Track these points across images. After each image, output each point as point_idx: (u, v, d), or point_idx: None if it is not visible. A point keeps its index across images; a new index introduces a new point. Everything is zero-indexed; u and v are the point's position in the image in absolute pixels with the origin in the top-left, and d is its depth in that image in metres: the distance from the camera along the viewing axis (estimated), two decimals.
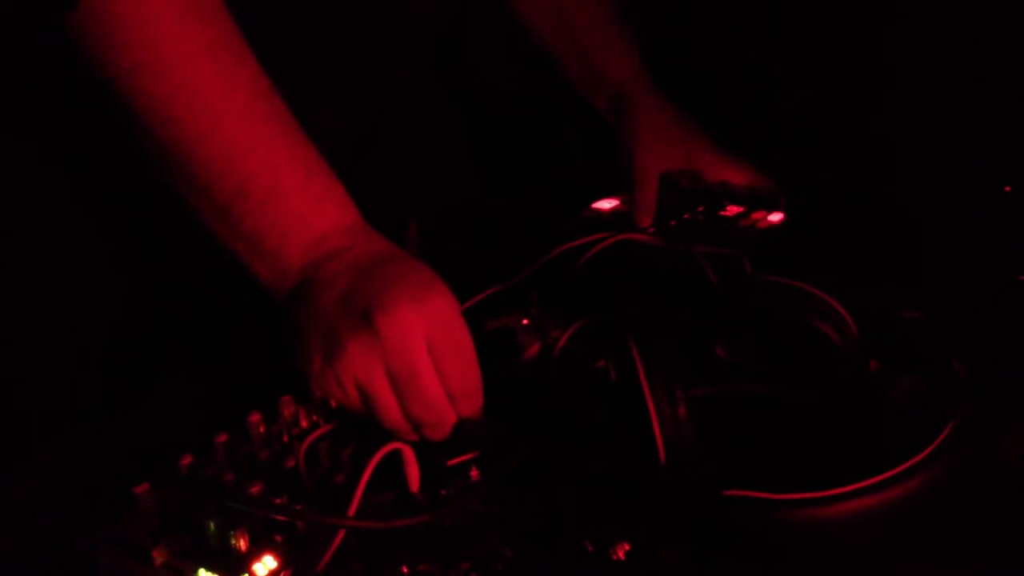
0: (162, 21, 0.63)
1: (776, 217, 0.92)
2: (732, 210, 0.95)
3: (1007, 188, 0.92)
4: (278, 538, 0.55)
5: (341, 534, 0.55)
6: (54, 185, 0.80)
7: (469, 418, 0.63)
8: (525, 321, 0.75)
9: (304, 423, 0.65)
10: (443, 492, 0.60)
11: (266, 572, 0.53)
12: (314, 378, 0.64)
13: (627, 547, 0.54)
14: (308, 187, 0.66)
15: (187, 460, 0.60)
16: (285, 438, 0.64)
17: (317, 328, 0.63)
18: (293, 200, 0.65)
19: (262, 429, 0.63)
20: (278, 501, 0.57)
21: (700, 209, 0.95)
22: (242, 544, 0.54)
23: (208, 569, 0.53)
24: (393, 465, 0.58)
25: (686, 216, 0.94)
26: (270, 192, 0.65)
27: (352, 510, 0.55)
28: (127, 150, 0.66)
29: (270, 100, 0.67)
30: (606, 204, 0.98)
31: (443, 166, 1.04)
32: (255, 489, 0.56)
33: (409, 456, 0.58)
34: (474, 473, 0.61)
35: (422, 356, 0.61)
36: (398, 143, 0.97)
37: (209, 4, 0.65)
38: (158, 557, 0.54)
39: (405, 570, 0.54)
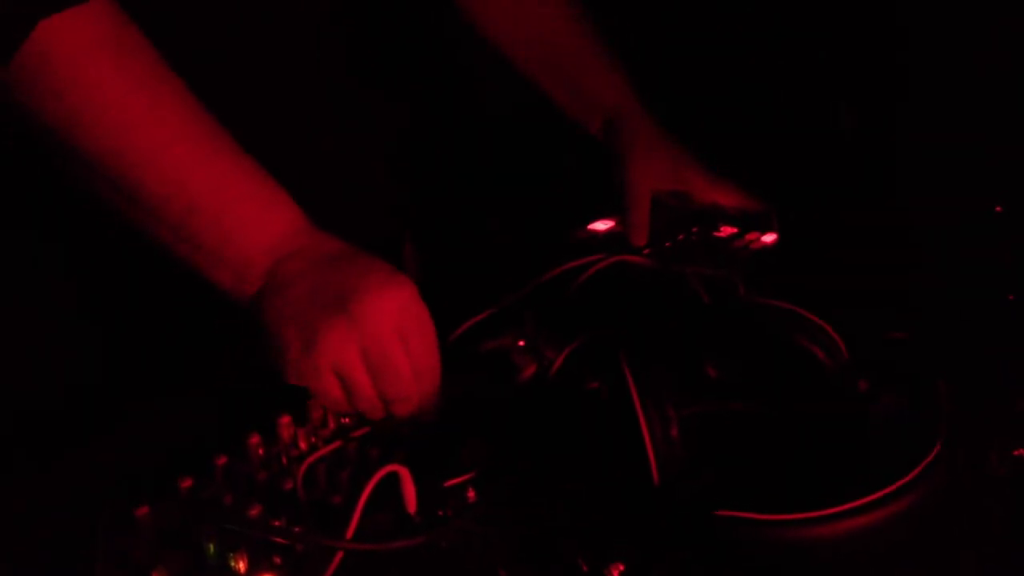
0: (92, 63, 0.66)
1: (769, 238, 0.94)
2: (726, 231, 0.96)
3: (998, 208, 0.93)
4: (277, 559, 0.55)
5: (339, 555, 0.55)
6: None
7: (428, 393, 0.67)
8: (521, 342, 0.76)
9: (303, 445, 0.65)
10: (440, 513, 0.60)
11: None
12: (290, 368, 0.66)
13: (621, 567, 0.55)
14: (256, 195, 0.69)
15: (187, 483, 0.60)
16: (284, 460, 0.64)
17: (291, 320, 0.66)
18: (244, 208, 0.68)
19: (261, 451, 0.64)
20: (277, 523, 0.57)
21: (694, 230, 0.96)
22: (241, 566, 0.54)
23: None
24: (390, 487, 0.59)
25: (680, 237, 0.95)
26: (220, 206, 0.68)
27: (350, 532, 0.56)
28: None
29: (203, 121, 0.69)
30: (601, 225, 0.99)
31: (442, 188, 1.05)
32: (254, 511, 0.57)
33: (406, 478, 0.59)
34: (470, 494, 0.61)
35: (394, 337, 0.65)
36: (397, 165, 0.98)
37: (132, 37, 0.68)
38: None
39: None
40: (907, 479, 0.60)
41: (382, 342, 0.65)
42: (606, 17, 1.03)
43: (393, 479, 0.59)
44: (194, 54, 0.69)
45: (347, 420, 0.68)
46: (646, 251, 0.92)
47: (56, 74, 0.65)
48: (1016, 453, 0.62)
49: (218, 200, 0.68)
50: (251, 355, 0.69)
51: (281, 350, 0.66)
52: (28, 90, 0.65)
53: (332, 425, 0.67)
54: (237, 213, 0.68)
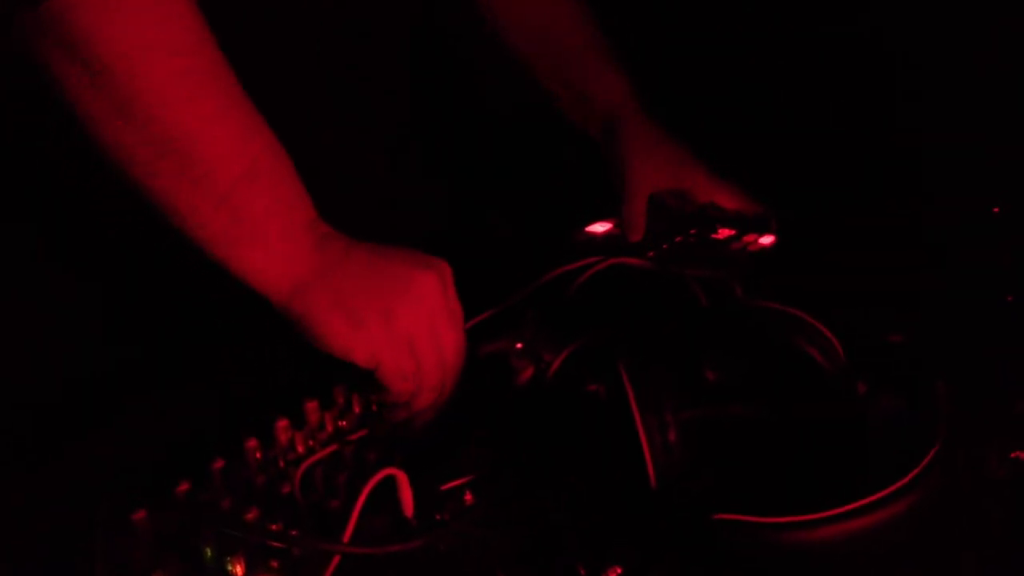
0: (143, 9, 0.61)
1: (767, 240, 0.93)
2: (724, 233, 0.95)
3: (995, 209, 0.93)
4: (274, 563, 0.55)
5: (336, 559, 0.55)
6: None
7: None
8: (519, 345, 0.76)
9: (300, 448, 0.65)
10: (437, 516, 0.60)
11: None
12: (364, 341, 0.65)
13: (619, 571, 0.54)
14: (294, 171, 0.68)
15: (184, 486, 0.60)
16: (281, 464, 0.64)
17: (360, 293, 0.65)
18: (292, 180, 0.67)
19: (259, 455, 0.64)
20: (274, 527, 0.57)
21: (692, 232, 0.96)
22: (238, 570, 0.54)
23: None
24: (388, 490, 0.59)
25: (678, 239, 0.95)
26: (275, 172, 0.66)
27: (347, 535, 0.56)
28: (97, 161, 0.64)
29: (239, 91, 0.67)
30: (599, 227, 0.99)
31: (440, 190, 1.05)
32: (251, 515, 0.57)
33: (403, 481, 0.59)
34: (468, 497, 0.61)
35: (433, 316, 0.66)
36: (395, 168, 0.98)
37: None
38: None
39: None
40: (905, 481, 0.60)
41: (432, 322, 0.66)
42: (606, 17, 1.03)
43: (390, 482, 0.59)
44: None
45: (344, 423, 0.68)
46: (649, 253, 0.92)
47: (117, 10, 0.60)
48: (1014, 455, 0.61)
49: (273, 167, 0.66)
50: (250, 349, 0.68)
51: (354, 323, 0.65)
52: (78, 33, 0.60)
53: (329, 428, 0.67)
54: (287, 185, 0.66)
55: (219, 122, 0.64)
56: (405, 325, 0.65)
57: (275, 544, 0.56)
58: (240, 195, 0.64)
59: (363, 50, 0.93)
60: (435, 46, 1.02)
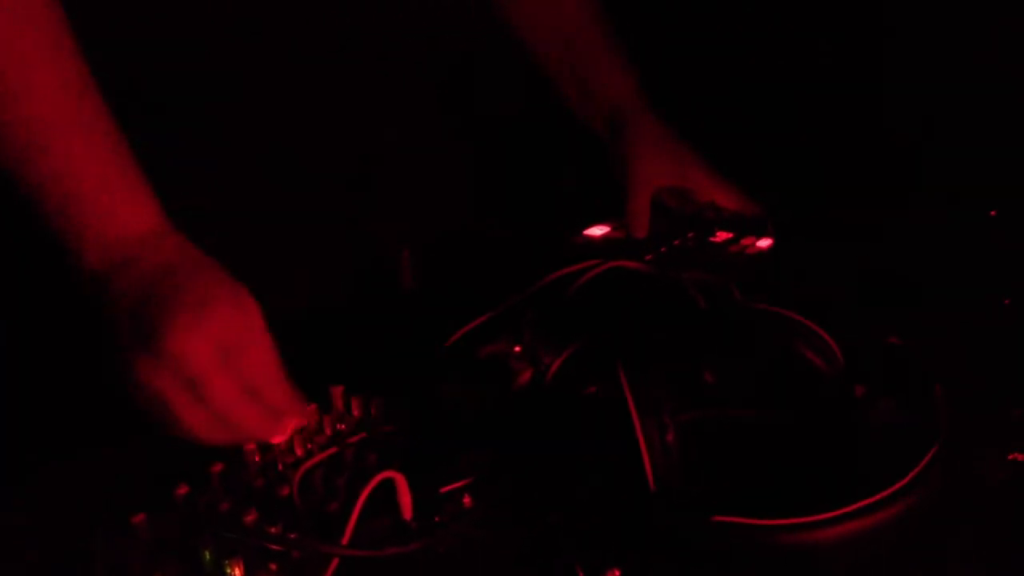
0: None
1: (765, 243, 0.94)
2: (721, 236, 0.96)
3: (992, 212, 0.93)
4: (273, 566, 0.55)
5: (335, 562, 0.55)
6: None
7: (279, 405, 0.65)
8: (517, 348, 0.76)
9: (299, 451, 0.65)
10: (437, 519, 0.60)
11: None
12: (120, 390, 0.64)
13: (617, 573, 0.54)
14: (105, 191, 0.66)
15: (183, 489, 0.60)
16: (280, 467, 0.64)
17: (110, 343, 0.64)
18: (88, 204, 0.65)
19: (257, 458, 0.64)
20: (273, 530, 0.57)
21: (690, 236, 0.96)
22: (237, 573, 0.54)
23: None
24: (387, 493, 0.59)
25: (676, 243, 0.95)
26: (65, 196, 0.65)
27: (346, 538, 0.56)
28: None
29: (78, 99, 0.66)
30: (598, 231, 0.99)
31: (440, 194, 1.05)
32: (250, 518, 0.57)
33: (402, 484, 0.59)
34: (467, 500, 0.61)
35: (207, 363, 0.61)
36: (396, 172, 0.98)
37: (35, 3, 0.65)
38: None
39: None
40: (903, 483, 0.60)
41: (193, 370, 0.61)
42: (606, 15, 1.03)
43: (389, 485, 0.59)
44: (181, 42, 0.68)
45: (343, 426, 0.68)
46: (647, 257, 0.92)
47: None
48: (1012, 457, 0.62)
49: (62, 191, 0.65)
50: None
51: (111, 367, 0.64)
52: None
53: (328, 432, 0.67)
54: (78, 209, 0.65)
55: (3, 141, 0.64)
56: (142, 386, 0.62)
57: (274, 547, 0.56)
58: (38, 211, 0.65)
59: (359, 48, 0.93)
60: (432, 45, 1.02)
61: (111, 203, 0.66)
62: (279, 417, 0.65)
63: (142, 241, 0.66)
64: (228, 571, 0.54)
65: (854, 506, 0.59)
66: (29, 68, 0.65)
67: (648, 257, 0.92)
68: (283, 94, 0.87)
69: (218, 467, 0.62)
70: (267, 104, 0.86)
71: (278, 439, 0.65)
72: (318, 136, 0.90)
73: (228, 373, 0.62)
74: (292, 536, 0.57)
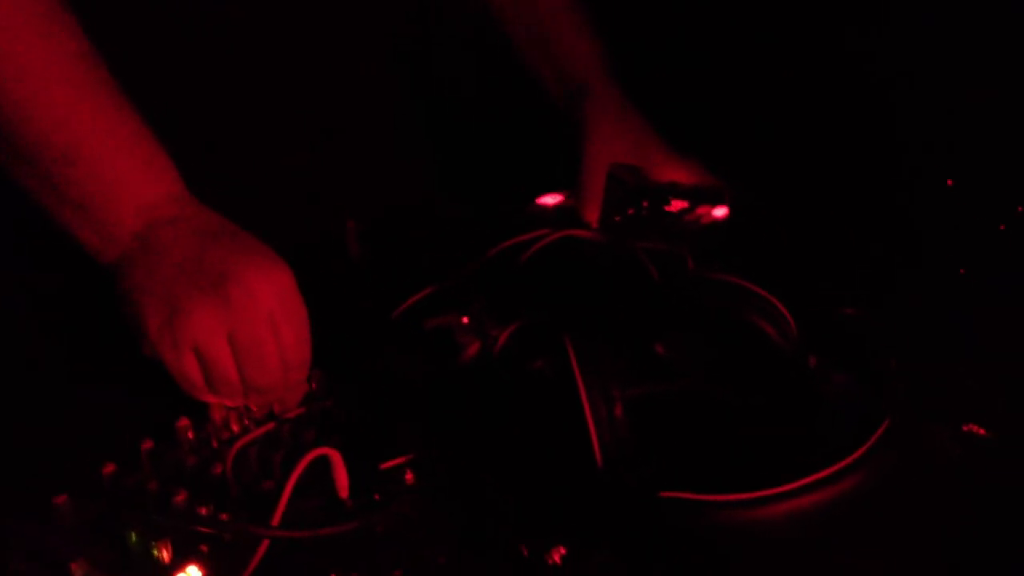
0: None
1: (720, 212, 0.92)
2: (676, 205, 0.94)
3: (949, 182, 0.92)
4: (203, 548, 0.53)
5: (265, 544, 0.53)
6: None
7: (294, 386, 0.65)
8: (464, 320, 0.74)
9: (235, 427, 0.63)
10: (376, 496, 0.58)
11: None
12: (146, 341, 0.62)
13: (563, 551, 0.53)
14: (134, 153, 0.66)
15: (109, 469, 0.58)
16: (214, 443, 0.62)
17: (156, 291, 0.62)
18: (119, 166, 0.65)
19: (190, 435, 0.62)
20: (203, 510, 0.55)
21: (644, 204, 0.94)
22: (165, 555, 0.52)
23: None
24: (324, 470, 0.57)
25: (630, 212, 0.93)
26: (95, 158, 0.64)
27: (276, 519, 0.53)
28: None
29: (94, 68, 0.66)
30: (550, 200, 0.97)
31: (394, 165, 1.03)
32: (179, 498, 0.55)
33: (337, 461, 0.57)
34: (408, 477, 0.59)
35: (267, 325, 0.62)
36: (350, 140, 0.96)
37: None
38: (77, 570, 0.52)
39: None
40: (855, 456, 0.59)
41: (255, 327, 0.61)
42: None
43: (324, 463, 0.57)
44: (171, 38, 0.67)
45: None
46: (595, 226, 0.90)
47: None
48: (966, 428, 0.61)
49: (93, 153, 0.64)
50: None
51: (139, 320, 0.62)
52: None
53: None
54: (110, 171, 0.64)
55: (35, 103, 0.63)
56: (191, 332, 0.61)
57: (203, 529, 0.53)
58: (62, 176, 0.64)
59: (311, 18, 0.90)
60: (388, 16, 1.00)
61: (144, 163, 0.66)
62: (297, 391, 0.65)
63: (177, 200, 0.66)
64: (156, 553, 0.52)
65: (805, 480, 0.57)
66: (49, 46, 0.64)
67: (600, 226, 0.90)
68: (233, 65, 0.84)
69: (148, 445, 0.60)
70: (216, 75, 0.83)
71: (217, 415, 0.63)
72: (268, 107, 0.87)
73: (275, 339, 0.62)
74: (222, 517, 0.55)
